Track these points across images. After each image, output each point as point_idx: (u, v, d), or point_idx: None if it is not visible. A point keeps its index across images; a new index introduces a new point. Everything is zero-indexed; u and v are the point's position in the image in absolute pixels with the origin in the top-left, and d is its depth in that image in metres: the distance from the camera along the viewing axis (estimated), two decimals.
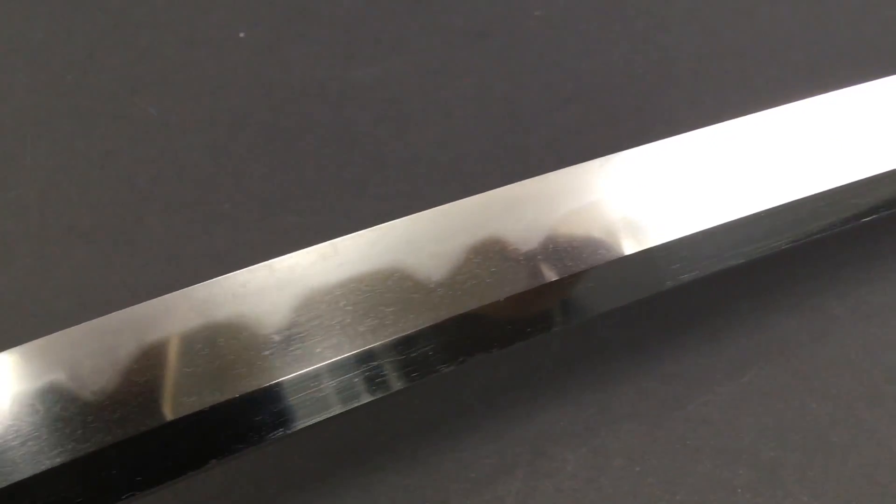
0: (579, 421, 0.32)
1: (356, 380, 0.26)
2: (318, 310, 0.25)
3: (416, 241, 0.27)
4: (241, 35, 0.45)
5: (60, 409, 0.23)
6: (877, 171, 0.31)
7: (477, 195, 0.28)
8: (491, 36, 0.45)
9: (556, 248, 0.27)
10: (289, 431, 0.25)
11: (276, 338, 0.24)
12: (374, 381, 0.26)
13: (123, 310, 0.24)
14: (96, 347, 0.23)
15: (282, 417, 0.25)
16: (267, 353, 0.24)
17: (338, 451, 0.31)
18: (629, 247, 0.28)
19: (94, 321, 0.24)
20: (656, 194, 0.29)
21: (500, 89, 0.43)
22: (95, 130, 0.41)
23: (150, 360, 0.23)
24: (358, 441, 0.31)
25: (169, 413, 0.23)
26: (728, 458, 0.31)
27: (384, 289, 0.26)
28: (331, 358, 0.25)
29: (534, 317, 0.28)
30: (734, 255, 0.30)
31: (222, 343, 0.24)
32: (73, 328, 0.23)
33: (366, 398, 0.26)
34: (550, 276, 0.27)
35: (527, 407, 0.32)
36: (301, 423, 0.25)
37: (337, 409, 0.26)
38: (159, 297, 0.24)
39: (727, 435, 0.31)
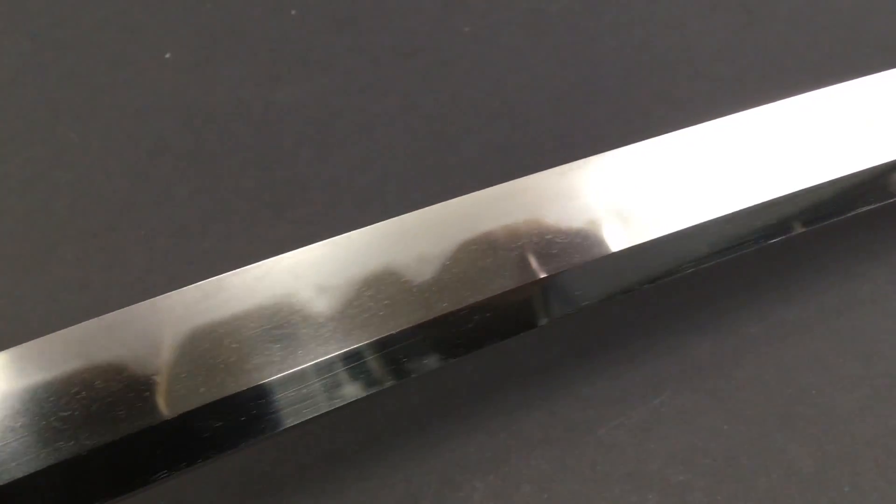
0: (489, 447, 0.32)
1: (254, 413, 0.25)
2: (201, 348, 0.25)
3: (305, 276, 0.26)
4: (167, 56, 0.45)
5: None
6: (793, 189, 0.31)
7: (371, 226, 0.28)
8: (419, 53, 0.45)
9: (449, 279, 0.27)
10: (178, 470, 0.25)
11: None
12: (267, 416, 0.26)
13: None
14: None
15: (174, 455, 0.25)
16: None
17: (240, 483, 0.30)
18: (539, 272, 0.28)
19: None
20: (562, 218, 0.29)
21: (425, 108, 0.42)
22: (15, 156, 0.40)
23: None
24: (261, 471, 0.31)
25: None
26: (637, 484, 0.31)
27: (272, 325, 0.26)
28: (215, 397, 0.24)
29: (433, 347, 0.28)
30: (642, 280, 0.30)
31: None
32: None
33: (266, 433, 0.26)
34: (442, 308, 0.27)
35: (437, 434, 0.32)
36: (194, 461, 0.25)
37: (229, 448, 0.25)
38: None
39: (637, 459, 0.31)
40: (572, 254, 0.28)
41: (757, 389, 0.33)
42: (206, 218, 0.38)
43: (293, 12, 0.47)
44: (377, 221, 0.28)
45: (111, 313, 0.25)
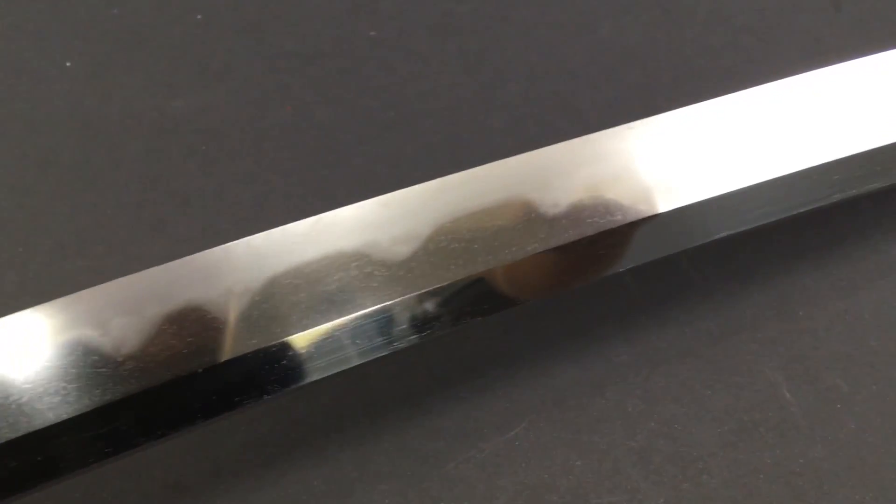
0: (335, 479, 0.31)
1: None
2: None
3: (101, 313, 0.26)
4: (68, 64, 0.44)
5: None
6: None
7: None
8: (320, 59, 0.43)
9: (269, 311, 0.26)
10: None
11: None
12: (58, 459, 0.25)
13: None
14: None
15: None
16: None
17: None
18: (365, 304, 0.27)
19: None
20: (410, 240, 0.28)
21: (320, 117, 0.41)
22: None
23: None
24: None
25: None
26: None
27: (67, 363, 0.25)
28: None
29: (244, 384, 0.27)
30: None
31: None
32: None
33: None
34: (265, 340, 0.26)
35: (282, 466, 0.31)
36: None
37: None
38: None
39: (483, 496, 0.30)
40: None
41: (617, 421, 0.32)
42: (85, 235, 0.38)
43: (199, 17, 0.46)
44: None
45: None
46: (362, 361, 0.28)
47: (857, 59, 0.35)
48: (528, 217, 0.29)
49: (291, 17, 0.45)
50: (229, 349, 0.26)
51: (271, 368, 0.26)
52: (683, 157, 0.30)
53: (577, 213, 0.29)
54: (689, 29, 0.44)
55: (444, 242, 0.28)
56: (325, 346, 0.27)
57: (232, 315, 0.26)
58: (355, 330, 0.27)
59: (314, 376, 0.27)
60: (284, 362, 0.27)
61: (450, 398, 0.33)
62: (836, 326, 0.33)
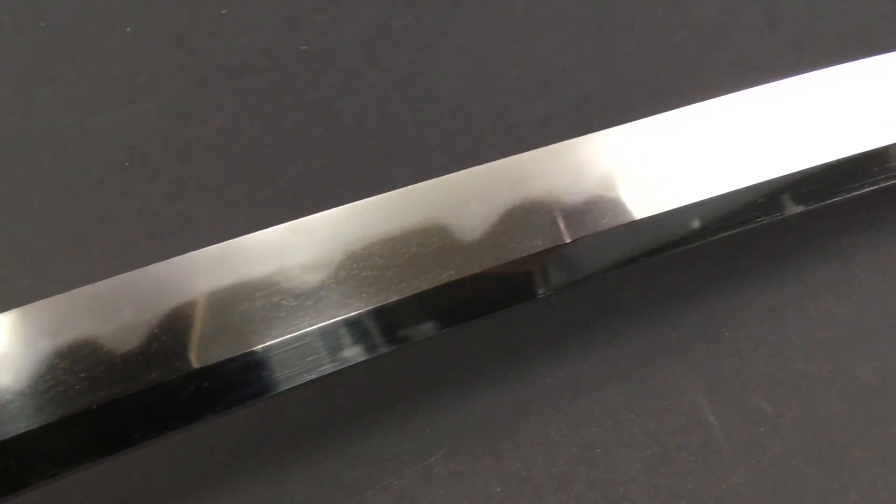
0: None
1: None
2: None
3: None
4: None
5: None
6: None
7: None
8: (251, 73, 0.43)
9: (168, 343, 0.25)
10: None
11: None
12: None
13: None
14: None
15: None
16: None
17: None
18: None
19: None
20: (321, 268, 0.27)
21: (248, 132, 0.40)
22: None
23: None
24: None
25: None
26: None
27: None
28: None
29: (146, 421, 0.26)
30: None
31: None
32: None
33: None
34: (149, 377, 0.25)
35: (196, 495, 0.30)
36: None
37: None
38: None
39: None
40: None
41: (539, 447, 0.31)
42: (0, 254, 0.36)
43: (128, 30, 0.45)
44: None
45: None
46: (272, 393, 0.27)
47: (787, 78, 0.34)
48: (444, 243, 0.28)
49: (224, 31, 0.44)
50: (127, 384, 0.25)
51: (172, 402, 0.26)
52: (603, 181, 0.30)
53: (494, 238, 0.28)
54: (624, 45, 0.43)
55: (355, 270, 0.27)
56: (228, 377, 0.26)
57: (127, 348, 0.25)
58: (260, 362, 0.26)
59: (218, 410, 0.26)
60: (186, 396, 0.26)
61: (369, 424, 0.32)
62: (762, 348, 0.33)
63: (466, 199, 0.29)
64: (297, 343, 0.26)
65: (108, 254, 0.37)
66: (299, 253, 0.27)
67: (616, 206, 0.29)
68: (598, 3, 0.45)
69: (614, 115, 0.34)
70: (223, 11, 0.45)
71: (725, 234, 0.31)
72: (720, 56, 0.43)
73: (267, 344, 0.26)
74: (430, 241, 0.28)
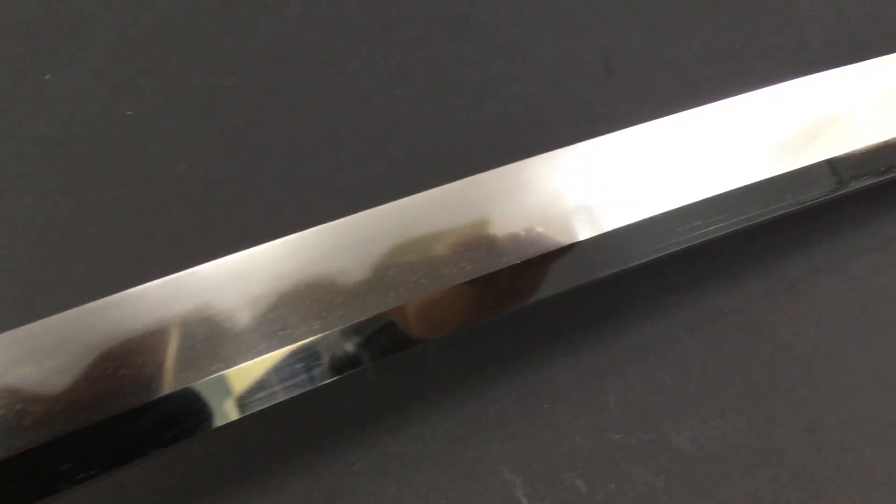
0: None
1: None
2: None
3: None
4: None
5: None
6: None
7: None
8: (70, 143, 0.40)
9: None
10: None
11: None
12: None
13: None
14: None
15: None
16: None
17: None
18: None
19: None
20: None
21: (62, 208, 0.38)
22: None
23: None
24: None
25: None
26: None
27: None
28: None
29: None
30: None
31: None
32: None
33: None
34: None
35: None
36: None
37: None
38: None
39: None
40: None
41: None
42: None
43: None
44: None
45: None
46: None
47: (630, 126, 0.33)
48: (211, 334, 0.26)
49: (45, 97, 0.42)
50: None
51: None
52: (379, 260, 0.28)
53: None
54: (459, 99, 0.42)
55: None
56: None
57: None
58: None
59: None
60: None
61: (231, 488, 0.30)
62: (580, 419, 0.32)
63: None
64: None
65: None
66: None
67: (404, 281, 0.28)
68: (436, 56, 0.44)
69: (447, 174, 0.33)
70: (46, 77, 0.43)
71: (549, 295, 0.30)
72: (558, 107, 0.42)
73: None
74: (197, 333, 0.26)
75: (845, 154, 0.33)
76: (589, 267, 0.31)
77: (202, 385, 0.26)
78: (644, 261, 0.31)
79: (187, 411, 0.26)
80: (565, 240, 0.29)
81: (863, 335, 0.33)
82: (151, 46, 0.44)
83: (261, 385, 0.27)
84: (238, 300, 0.27)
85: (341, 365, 0.27)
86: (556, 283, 0.30)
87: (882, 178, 0.34)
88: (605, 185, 0.31)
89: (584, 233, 0.30)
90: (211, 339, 0.26)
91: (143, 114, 0.42)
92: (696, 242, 0.31)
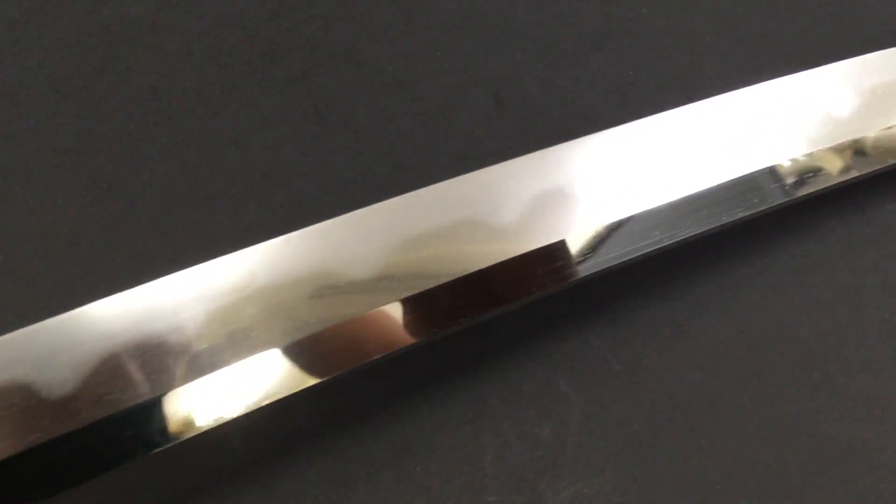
0: None
1: None
2: None
3: None
4: None
5: None
6: None
7: None
8: None
9: None
10: None
11: None
12: None
13: None
14: None
15: None
16: None
17: None
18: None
19: None
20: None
21: None
22: None
23: None
24: None
25: None
26: None
27: None
28: None
29: None
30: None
31: None
32: None
33: None
34: None
35: None
36: None
37: None
38: None
39: None
40: None
41: None
42: None
43: None
44: None
45: None
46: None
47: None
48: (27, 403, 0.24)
49: None
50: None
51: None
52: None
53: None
54: (344, 137, 0.40)
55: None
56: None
57: None
58: None
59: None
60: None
61: None
62: (454, 481, 0.30)
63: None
64: None
65: None
66: None
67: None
68: (319, 92, 0.42)
69: (328, 217, 0.31)
70: None
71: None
72: (445, 142, 0.41)
73: None
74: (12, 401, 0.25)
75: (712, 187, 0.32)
76: (459, 309, 0.29)
77: None
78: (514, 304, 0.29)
79: None
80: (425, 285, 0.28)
81: (747, 379, 0.32)
82: (24, 91, 0.42)
83: None
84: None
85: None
86: (417, 332, 0.28)
87: (755, 212, 0.33)
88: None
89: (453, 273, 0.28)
90: None
91: (12, 161, 0.40)
92: (573, 280, 0.30)
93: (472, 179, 0.31)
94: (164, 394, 0.26)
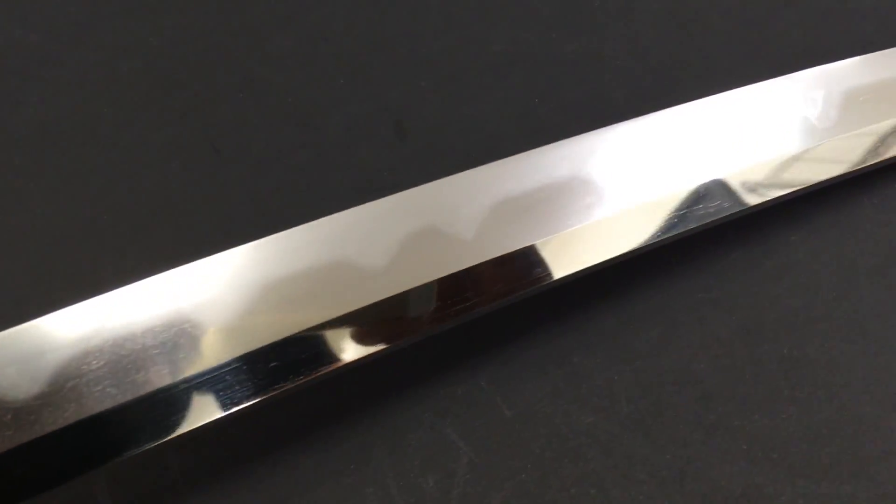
0: None
1: None
2: None
3: None
4: None
5: None
6: None
7: None
8: None
9: None
10: None
11: None
12: None
13: None
14: None
15: None
16: None
17: None
18: None
19: None
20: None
21: None
22: None
23: None
24: None
25: None
26: None
27: None
28: None
29: None
30: None
31: None
32: None
33: None
34: None
35: None
36: None
37: None
38: None
39: None
40: None
41: None
42: None
43: None
44: None
45: None
46: None
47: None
48: None
49: None
50: None
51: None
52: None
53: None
54: (240, 170, 0.39)
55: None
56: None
57: None
58: None
59: None
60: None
61: None
62: None
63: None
64: None
65: None
66: None
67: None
68: (216, 123, 0.40)
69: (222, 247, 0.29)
70: None
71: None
72: (346, 174, 0.39)
73: None
74: None
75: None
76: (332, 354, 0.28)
77: None
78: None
79: None
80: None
81: (641, 422, 0.31)
82: None
83: None
84: None
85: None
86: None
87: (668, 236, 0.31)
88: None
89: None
90: None
91: None
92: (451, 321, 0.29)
93: (344, 218, 0.29)
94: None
